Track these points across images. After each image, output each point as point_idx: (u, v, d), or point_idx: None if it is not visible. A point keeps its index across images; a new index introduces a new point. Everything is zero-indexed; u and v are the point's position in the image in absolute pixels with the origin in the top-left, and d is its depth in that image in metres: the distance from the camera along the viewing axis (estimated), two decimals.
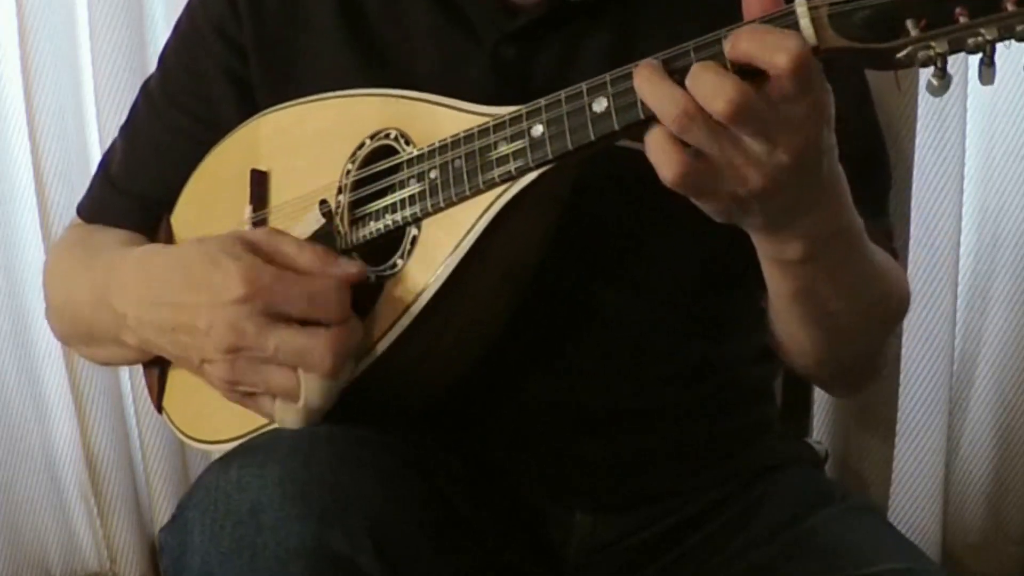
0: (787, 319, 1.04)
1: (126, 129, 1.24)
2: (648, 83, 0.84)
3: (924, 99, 1.58)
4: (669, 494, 1.11)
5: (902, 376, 1.68)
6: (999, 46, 0.81)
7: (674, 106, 0.82)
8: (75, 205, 1.28)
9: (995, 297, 1.72)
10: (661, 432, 1.10)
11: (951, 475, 1.77)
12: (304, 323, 0.92)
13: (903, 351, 1.67)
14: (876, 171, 1.18)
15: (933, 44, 0.80)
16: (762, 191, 0.85)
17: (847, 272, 0.98)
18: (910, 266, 1.63)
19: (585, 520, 1.10)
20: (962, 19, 0.79)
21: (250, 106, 1.13)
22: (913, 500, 1.72)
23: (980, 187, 1.69)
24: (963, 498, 1.79)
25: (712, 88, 0.81)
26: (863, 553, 1.05)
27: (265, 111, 1.11)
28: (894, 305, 1.12)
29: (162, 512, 1.81)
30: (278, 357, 0.91)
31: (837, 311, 1.00)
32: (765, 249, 0.96)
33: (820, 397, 1.72)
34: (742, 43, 0.82)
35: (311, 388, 0.91)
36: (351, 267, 0.95)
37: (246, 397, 0.95)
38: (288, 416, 0.93)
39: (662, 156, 0.85)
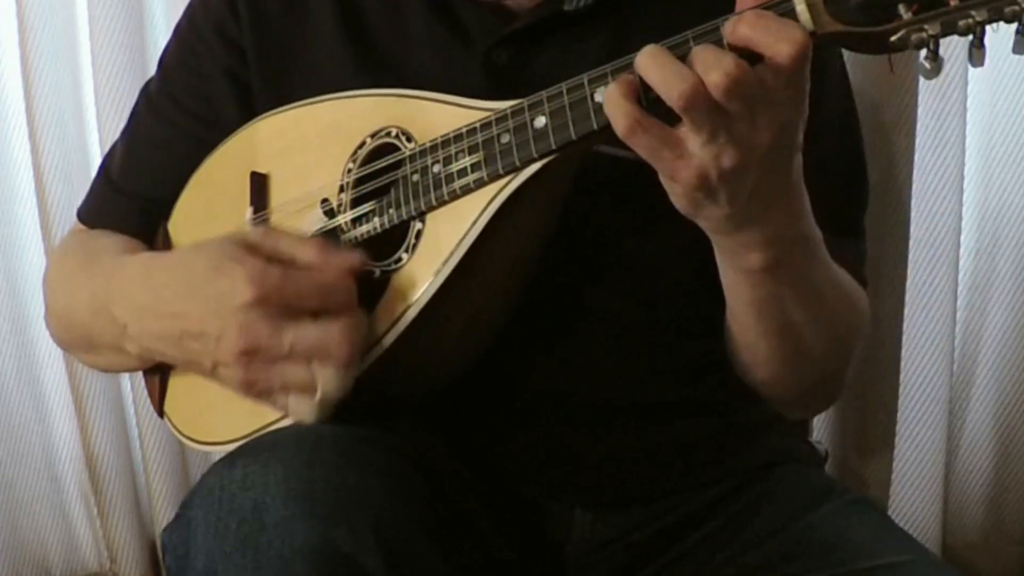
0: (749, 330, 1.04)
1: (126, 132, 1.24)
2: (654, 61, 0.85)
3: (924, 99, 1.58)
4: (669, 492, 1.11)
5: (902, 376, 1.69)
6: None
7: (683, 82, 0.83)
8: (75, 206, 1.27)
9: (995, 297, 1.73)
10: (661, 429, 1.10)
11: (951, 475, 1.77)
12: (314, 317, 0.92)
13: (903, 351, 1.67)
14: (857, 186, 1.19)
15: (926, 27, 0.82)
16: (731, 170, 0.86)
17: (808, 282, 1.00)
18: (910, 266, 1.63)
19: (585, 518, 1.10)
20: (953, 1, 0.82)
21: (250, 107, 1.13)
22: (913, 500, 1.72)
23: (980, 187, 1.70)
24: (963, 498, 1.80)
25: (713, 61, 0.83)
26: (865, 547, 1.05)
27: (262, 116, 1.11)
28: (855, 325, 1.12)
29: (162, 512, 1.81)
30: (294, 353, 0.92)
31: (798, 322, 1.01)
32: (728, 255, 0.97)
33: None
34: (743, 28, 0.84)
35: (327, 380, 0.92)
36: (352, 255, 0.96)
37: (262, 394, 0.95)
38: (304, 410, 0.93)
39: (617, 110, 0.86)
